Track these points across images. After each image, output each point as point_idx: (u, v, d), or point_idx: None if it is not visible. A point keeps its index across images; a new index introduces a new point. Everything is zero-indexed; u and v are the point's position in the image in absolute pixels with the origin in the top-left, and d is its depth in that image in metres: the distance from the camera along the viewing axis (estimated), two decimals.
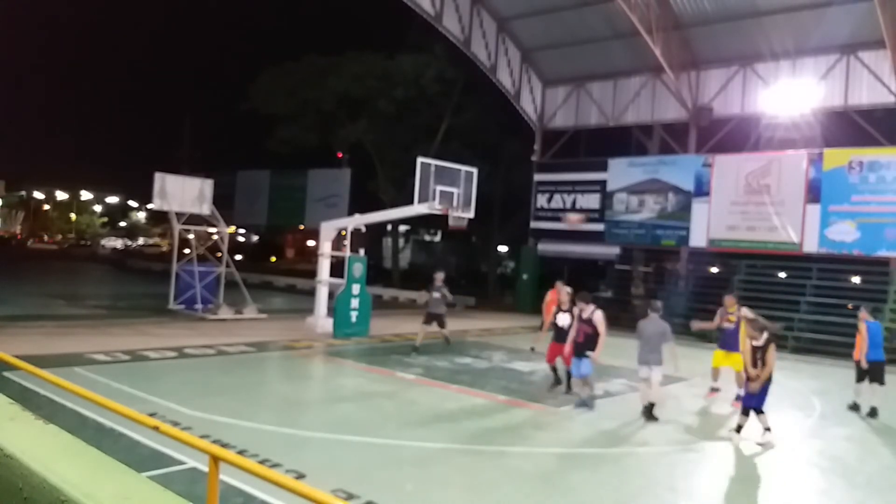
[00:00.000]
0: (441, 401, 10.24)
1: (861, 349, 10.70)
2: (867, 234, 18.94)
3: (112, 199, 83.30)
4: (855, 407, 10.90)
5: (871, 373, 10.63)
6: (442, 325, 14.66)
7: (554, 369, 11.18)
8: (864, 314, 10.91)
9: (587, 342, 9.84)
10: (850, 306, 19.01)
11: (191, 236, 20.27)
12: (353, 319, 16.12)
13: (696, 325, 11.93)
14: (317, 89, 30.50)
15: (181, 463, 6.17)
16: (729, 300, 11.30)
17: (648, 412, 9.57)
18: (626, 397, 11.22)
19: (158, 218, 55.77)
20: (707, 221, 22.02)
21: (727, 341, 11.04)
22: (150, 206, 24.63)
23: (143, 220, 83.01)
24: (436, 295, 14.57)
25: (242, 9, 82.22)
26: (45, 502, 1.98)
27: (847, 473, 7.73)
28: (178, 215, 18.94)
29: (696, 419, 10.05)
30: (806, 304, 19.22)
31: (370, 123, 30.92)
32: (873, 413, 10.51)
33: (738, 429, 8.64)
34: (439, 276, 14.83)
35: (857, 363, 10.83)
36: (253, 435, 7.52)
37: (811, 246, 19.90)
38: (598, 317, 9.91)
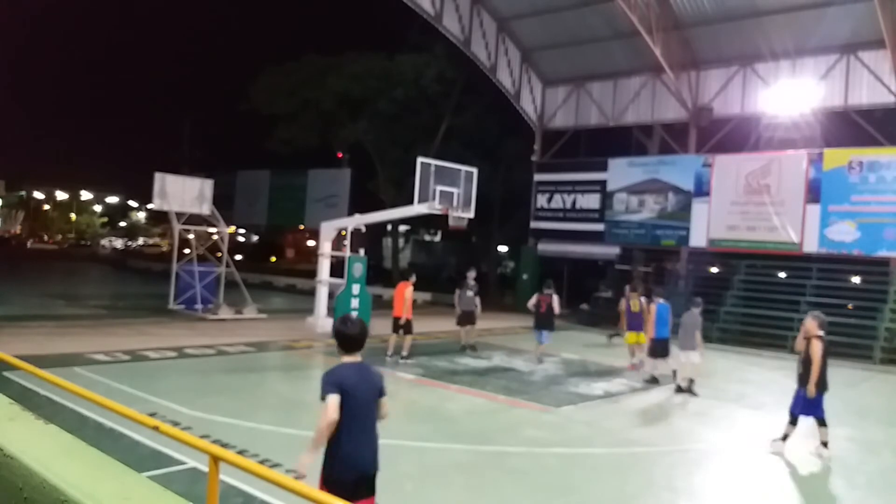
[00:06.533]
0: (441, 401, 10.24)
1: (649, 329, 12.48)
2: (867, 234, 18.94)
3: (112, 199, 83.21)
4: (654, 380, 12.31)
5: (659, 349, 12.34)
6: (473, 323, 14.76)
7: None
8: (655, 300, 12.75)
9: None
10: (850, 306, 19.03)
11: (191, 236, 20.26)
12: None
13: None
14: (317, 89, 30.49)
15: (181, 463, 6.17)
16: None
17: (683, 388, 11.47)
18: (626, 397, 11.24)
19: (158, 218, 55.78)
20: (707, 221, 22.02)
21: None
22: (150, 206, 24.64)
23: (143, 220, 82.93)
24: (469, 293, 14.65)
25: (243, 9, 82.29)
26: (45, 502, 1.98)
27: (847, 473, 7.73)
28: (178, 215, 18.95)
29: (696, 419, 10.05)
30: (806, 304, 19.19)
31: (370, 123, 30.89)
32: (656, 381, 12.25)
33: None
34: (471, 275, 14.92)
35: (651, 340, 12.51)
36: (253, 435, 7.52)
37: (811, 246, 19.90)
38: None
